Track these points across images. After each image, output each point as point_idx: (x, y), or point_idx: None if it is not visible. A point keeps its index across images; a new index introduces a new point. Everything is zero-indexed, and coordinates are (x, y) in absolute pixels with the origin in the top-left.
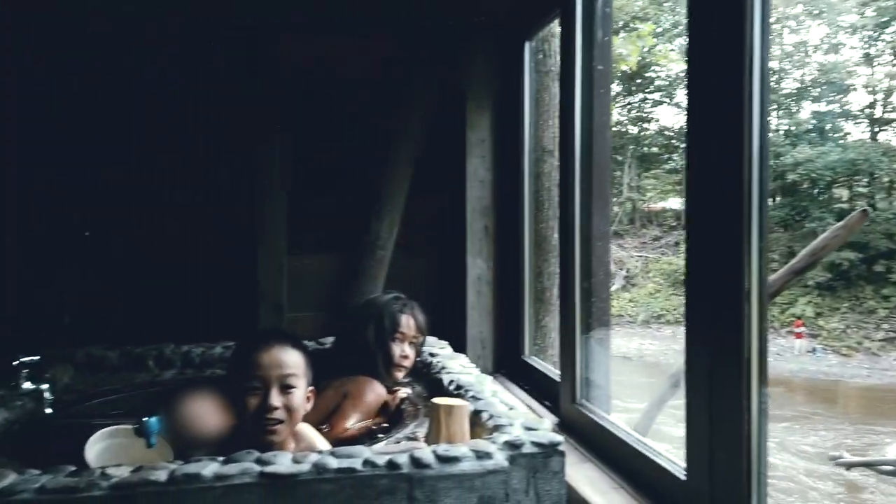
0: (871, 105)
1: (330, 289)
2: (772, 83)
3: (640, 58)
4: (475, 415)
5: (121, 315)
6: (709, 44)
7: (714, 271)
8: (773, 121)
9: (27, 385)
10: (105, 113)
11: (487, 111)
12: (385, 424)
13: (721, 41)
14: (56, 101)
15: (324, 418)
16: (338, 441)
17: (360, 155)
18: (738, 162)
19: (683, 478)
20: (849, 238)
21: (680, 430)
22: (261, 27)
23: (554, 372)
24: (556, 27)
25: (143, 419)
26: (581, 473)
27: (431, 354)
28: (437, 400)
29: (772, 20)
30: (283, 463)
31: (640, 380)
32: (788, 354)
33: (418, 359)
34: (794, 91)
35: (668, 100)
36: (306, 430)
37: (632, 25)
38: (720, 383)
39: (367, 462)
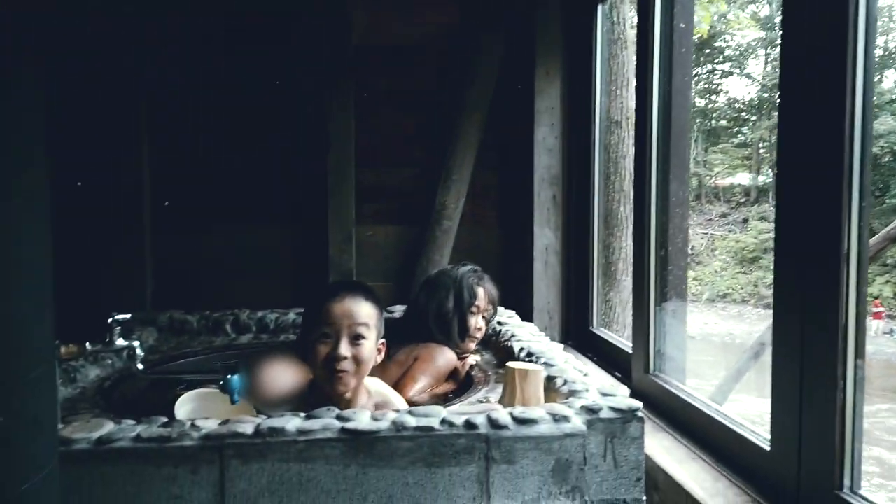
0: None
1: (397, 259)
2: None
3: (710, 26)
4: (549, 380)
5: (199, 281)
6: None
7: (809, 232)
8: None
9: (120, 342)
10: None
11: (557, 78)
12: (453, 391)
13: None
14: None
15: (393, 384)
16: (408, 404)
17: (426, 125)
18: (839, 113)
19: (767, 449)
20: None
21: (754, 403)
22: None
23: (624, 343)
24: None
25: (227, 377)
26: (656, 443)
27: (500, 323)
28: (511, 364)
29: None
30: (362, 420)
31: (704, 359)
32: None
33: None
34: (877, 59)
35: (738, 70)
36: (383, 387)
37: None
38: (812, 352)
39: (444, 421)
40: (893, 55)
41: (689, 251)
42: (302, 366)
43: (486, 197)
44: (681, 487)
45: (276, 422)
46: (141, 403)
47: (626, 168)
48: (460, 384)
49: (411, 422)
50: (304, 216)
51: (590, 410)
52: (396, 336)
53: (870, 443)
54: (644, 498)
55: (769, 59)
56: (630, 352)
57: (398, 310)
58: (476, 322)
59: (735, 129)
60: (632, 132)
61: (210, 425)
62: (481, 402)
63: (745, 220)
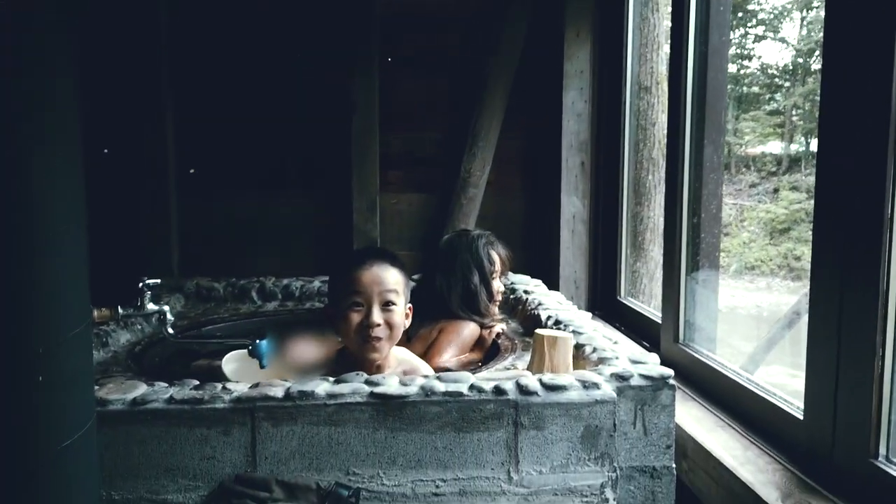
0: None
1: (422, 227)
2: None
3: None
4: (578, 348)
5: (224, 248)
6: None
7: (850, 196)
8: None
9: (151, 306)
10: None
11: (587, 40)
12: (480, 360)
13: None
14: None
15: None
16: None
17: (451, 90)
18: (886, 74)
19: (800, 417)
20: None
21: (787, 374)
22: None
23: (652, 313)
24: None
25: (256, 342)
26: (685, 411)
27: (526, 291)
28: (540, 331)
29: None
30: (391, 385)
31: (731, 331)
32: None
33: (512, 295)
34: None
35: (771, 34)
36: (410, 356)
37: None
38: (850, 319)
39: (473, 387)
40: None
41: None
42: (327, 337)
43: (512, 164)
44: (710, 455)
45: (306, 385)
46: (171, 367)
47: (656, 135)
48: (486, 353)
49: (440, 387)
50: (328, 184)
51: (620, 378)
52: (415, 314)
53: None
54: (674, 465)
55: (805, 22)
56: (658, 321)
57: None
58: (498, 286)
59: (767, 96)
60: (662, 98)
61: (241, 388)
62: (508, 369)
63: (776, 190)
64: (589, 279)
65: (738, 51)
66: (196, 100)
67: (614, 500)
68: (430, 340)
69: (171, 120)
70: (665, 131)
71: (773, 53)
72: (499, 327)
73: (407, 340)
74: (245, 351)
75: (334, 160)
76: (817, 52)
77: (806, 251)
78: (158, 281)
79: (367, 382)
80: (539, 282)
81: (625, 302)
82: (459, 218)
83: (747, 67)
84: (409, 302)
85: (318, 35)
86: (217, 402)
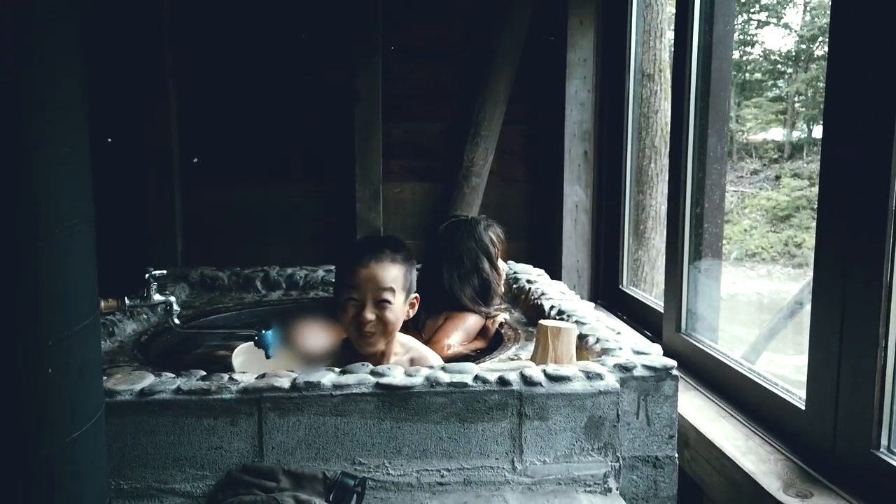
0: None
1: (425, 216)
2: None
3: None
4: (581, 339)
5: (228, 238)
6: None
7: (854, 186)
8: None
9: (157, 297)
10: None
11: (591, 28)
12: (483, 349)
13: None
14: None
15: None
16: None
17: (454, 79)
18: (892, 62)
19: (802, 408)
20: None
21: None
22: None
23: (654, 302)
24: None
25: (261, 332)
26: (687, 401)
27: (529, 281)
28: (544, 322)
29: None
30: (396, 375)
31: (732, 319)
32: None
33: (515, 285)
34: None
35: (774, 20)
36: (418, 344)
37: None
38: (853, 310)
39: (477, 378)
40: None
41: None
42: (335, 324)
43: (515, 153)
44: (712, 444)
45: (311, 376)
46: (176, 357)
47: (658, 123)
48: (490, 342)
49: (445, 378)
50: (331, 173)
51: (623, 368)
52: (420, 304)
53: None
54: (676, 455)
55: (808, 8)
56: (660, 311)
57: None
58: (503, 266)
59: (770, 83)
60: (665, 86)
61: (248, 379)
62: (512, 359)
63: (778, 178)
64: (591, 268)
65: (741, 37)
66: (199, 89)
67: (617, 489)
68: (435, 328)
69: (175, 110)
70: (668, 119)
71: (776, 39)
72: (502, 317)
73: (416, 329)
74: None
75: (337, 150)
76: (820, 38)
77: (807, 238)
78: (164, 272)
79: (373, 373)
80: (541, 271)
81: (627, 291)
82: (462, 207)
83: (750, 54)
84: (416, 291)
85: (321, 25)
86: (224, 393)
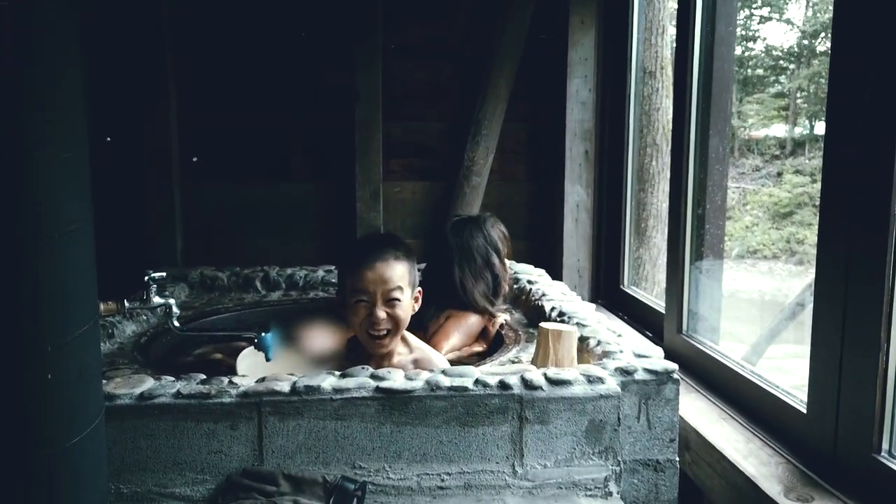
0: None
1: (425, 215)
2: None
3: None
4: (582, 341)
5: (228, 238)
6: None
7: (857, 188)
8: None
9: (157, 299)
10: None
11: (592, 27)
12: (484, 350)
13: None
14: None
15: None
16: None
17: (455, 78)
18: (894, 59)
19: (804, 411)
20: None
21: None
22: None
23: (655, 302)
24: None
25: (261, 334)
26: (688, 403)
27: (529, 282)
28: (545, 325)
29: None
30: (396, 379)
31: (732, 317)
32: None
33: (516, 286)
34: None
35: (776, 15)
36: (424, 346)
37: None
38: (855, 313)
39: (478, 381)
40: None
41: None
42: (339, 325)
43: (515, 152)
44: (713, 447)
45: (312, 380)
46: (176, 359)
47: (660, 121)
48: (490, 343)
49: (445, 382)
50: (331, 172)
51: (624, 372)
52: (423, 301)
53: None
54: (677, 458)
55: (810, 3)
56: (662, 311)
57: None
58: (508, 262)
59: (772, 79)
60: (666, 83)
61: (248, 383)
62: (513, 361)
63: (779, 174)
64: (592, 268)
65: (743, 32)
66: (199, 88)
67: (618, 493)
68: (437, 326)
69: (175, 109)
70: (669, 116)
71: (778, 35)
72: (502, 318)
73: (419, 327)
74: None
75: (338, 149)
76: (822, 34)
77: (808, 235)
78: (164, 274)
79: (373, 377)
80: (542, 271)
81: (628, 291)
82: (462, 207)
83: (752, 49)
84: (419, 286)
85: (321, 24)
86: (224, 397)
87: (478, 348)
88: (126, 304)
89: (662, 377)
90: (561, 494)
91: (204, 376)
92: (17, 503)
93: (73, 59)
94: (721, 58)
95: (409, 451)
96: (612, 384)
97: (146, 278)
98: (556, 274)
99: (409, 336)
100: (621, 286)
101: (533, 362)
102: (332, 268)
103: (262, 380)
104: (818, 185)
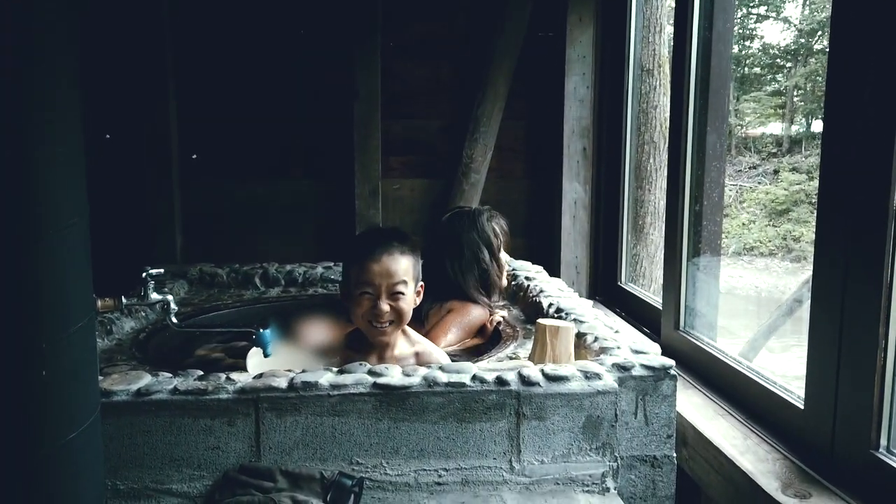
0: None
1: (424, 212)
2: None
3: None
4: (579, 337)
5: (227, 235)
6: None
7: (855, 185)
8: None
9: (154, 295)
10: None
11: (590, 24)
12: (482, 346)
13: None
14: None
15: (425, 336)
16: None
17: (453, 75)
18: (892, 56)
19: (801, 407)
20: None
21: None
22: None
23: (652, 298)
24: None
25: (259, 331)
26: (685, 399)
27: (527, 278)
28: (542, 321)
29: None
30: (394, 375)
31: (728, 313)
32: None
33: (514, 282)
34: None
35: (773, 14)
36: (424, 341)
37: None
38: (853, 309)
39: (475, 377)
40: None
41: None
42: (339, 320)
43: (514, 149)
44: (710, 443)
45: (309, 376)
46: (175, 355)
47: (657, 119)
48: (488, 339)
49: (442, 378)
50: (331, 170)
51: (621, 368)
52: (424, 295)
53: None
54: (674, 455)
55: (807, 2)
56: (659, 307)
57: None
58: (506, 258)
59: (769, 77)
60: (664, 81)
61: (245, 379)
62: (511, 357)
63: (776, 172)
64: (590, 265)
65: (740, 31)
66: (199, 86)
67: (615, 489)
68: (438, 318)
69: (175, 107)
70: (667, 114)
71: (775, 34)
72: (498, 316)
73: (418, 321)
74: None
75: (337, 147)
76: (819, 33)
77: (805, 232)
78: (161, 270)
79: (371, 373)
80: (540, 268)
81: (626, 288)
82: (461, 204)
83: (749, 48)
84: (421, 280)
85: (321, 22)
86: (221, 393)
87: (476, 343)
88: (124, 300)
89: (660, 373)
90: (558, 490)
91: (201, 372)
92: (14, 500)
93: (72, 58)
94: (719, 54)
95: (407, 447)
96: (609, 380)
97: (143, 274)
98: (553, 270)
99: (411, 331)
100: (619, 283)
101: (530, 358)
102: (332, 264)
103: (260, 376)
104: (814, 183)
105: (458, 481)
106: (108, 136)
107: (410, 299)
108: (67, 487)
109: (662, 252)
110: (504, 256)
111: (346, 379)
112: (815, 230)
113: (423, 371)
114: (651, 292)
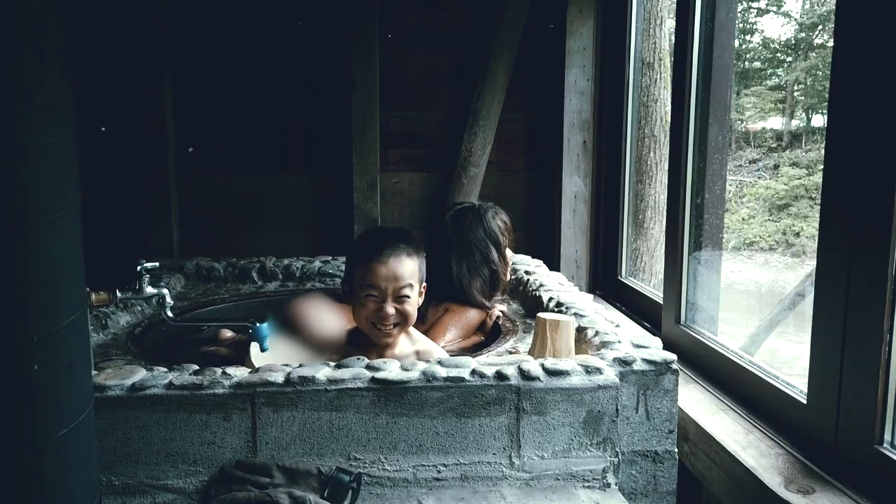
0: None
1: (423, 206)
2: None
3: None
4: (579, 331)
5: (224, 228)
6: None
7: (859, 177)
8: None
9: (149, 289)
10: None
11: (590, 16)
12: (481, 342)
13: None
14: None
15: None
16: None
17: (452, 67)
18: None
19: (804, 401)
20: None
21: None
22: None
23: (653, 293)
24: None
25: (256, 325)
26: (686, 393)
27: (527, 272)
28: (542, 315)
29: None
30: (392, 370)
31: (729, 308)
32: None
33: (514, 276)
34: None
35: (774, 8)
36: (424, 339)
37: None
38: (857, 303)
39: (475, 372)
40: None
41: None
42: (342, 308)
43: (513, 142)
44: (712, 438)
45: (306, 371)
46: (171, 349)
47: (658, 112)
48: (487, 336)
49: (441, 372)
50: (329, 163)
51: (623, 362)
52: (438, 289)
53: None
54: (676, 450)
55: None
56: (660, 302)
57: None
58: (511, 255)
59: (769, 71)
60: (664, 74)
61: (241, 374)
62: (510, 352)
63: (776, 166)
64: (590, 259)
65: (741, 24)
66: (195, 78)
67: (616, 484)
68: (435, 319)
69: (171, 99)
70: (668, 108)
71: (776, 28)
72: (497, 311)
73: (418, 319)
74: (273, 338)
75: (334, 140)
76: (820, 27)
77: (805, 227)
78: (157, 264)
79: (368, 368)
80: (540, 262)
81: (626, 282)
82: (460, 197)
83: (749, 42)
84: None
85: (318, 13)
86: (217, 388)
87: (475, 340)
88: (118, 294)
89: (661, 367)
90: (558, 486)
91: (196, 367)
92: (6, 495)
93: (60, 46)
94: (721, 45)
95: (405, 443)
96: (610, 375)
97: (138, 268)
98: (553, 264)
99: (412, 329)
100: (619, 277)
101: (530, 353)
102: (329, 258)
103: (256, 370)
104: (815, 178)
105: (457, 477)
106: (103, 128)
107: (415, 301)
108: (59, 482)
109: (663, 246)
110: (508, 252)
111: (344, 373)
112: (818, 223)
113: (421, 366)
114: (651, 286)
